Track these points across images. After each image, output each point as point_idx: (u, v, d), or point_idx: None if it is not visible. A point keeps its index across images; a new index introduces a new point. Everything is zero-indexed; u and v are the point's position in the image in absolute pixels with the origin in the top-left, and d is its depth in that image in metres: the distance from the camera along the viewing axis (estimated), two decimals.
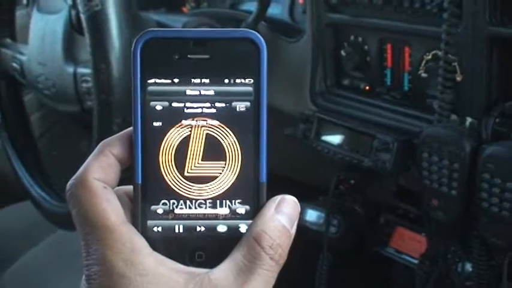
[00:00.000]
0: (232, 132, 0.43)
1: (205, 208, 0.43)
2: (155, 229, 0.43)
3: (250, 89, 0.43)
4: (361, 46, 1.01)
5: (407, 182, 1.02)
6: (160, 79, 0.43)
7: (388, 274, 1.16)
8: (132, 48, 0.42)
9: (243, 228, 0.43)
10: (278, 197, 0.43)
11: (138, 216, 0.43)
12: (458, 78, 0.85)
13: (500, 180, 0.77)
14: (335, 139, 1.02)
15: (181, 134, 0.43)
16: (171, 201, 0.43)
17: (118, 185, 0.44)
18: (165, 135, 0.43)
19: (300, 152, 1.12)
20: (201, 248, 0.42)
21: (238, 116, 0.43)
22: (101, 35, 0.97)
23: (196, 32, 0.44)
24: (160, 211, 0.43)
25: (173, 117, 0.43)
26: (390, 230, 1.10)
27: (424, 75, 0.93)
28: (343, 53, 1.04)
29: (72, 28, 1.13)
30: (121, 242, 0.40)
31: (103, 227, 0.40)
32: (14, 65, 1.28)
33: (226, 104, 0.43)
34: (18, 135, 1.35)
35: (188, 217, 0.43)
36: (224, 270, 0.41)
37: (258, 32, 0.43)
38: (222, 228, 0.43)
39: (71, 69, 1.11)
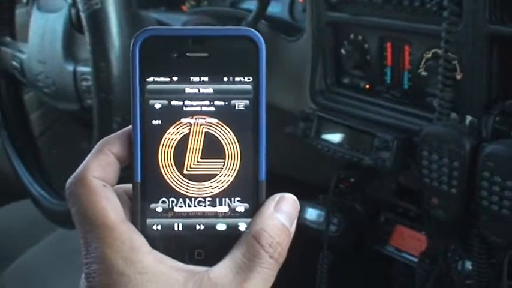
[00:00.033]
0: (231, 131, 0.43)
1: (205, 206, 0.43)
2: (154, 227, 0.43)
3: (249, 87, 0.43)
4: (361, 44, 1.01)
5: (407, 180, 1.02)
6: (159, 77, 0.42)
7: (388, 272, 1.17)
8: (131, 47, 0.42)
9: (242, 226, 0.43)
10: (277, 195, 0.43)
11: (138, 215, 0.43)
12: (458, 77, 0.85)
13: (500, 179, 0.77)
14: (335, 137, 1.02)
15: (180, 132, 0.43)
16: (171, 199, 0.43)
17: (117, 184, 0.44)
18: (164, 133, 0.43)
19: (300, 150, 1.12)
20: (201, 246, 0.42)
21: (238, 114, 0.43)
22: (100, 33, 0.96)
23: (195, 30, 0.44)
24: (159, 209, 0.43)
25: (172, 116, 0.43)
26: (390, 228, 1.10)
27: (424, 73, 0.93)
28: (343, 51, 1.04)
29: (72, 26, 1.13)
30: (120, 240, 0.40)
31: (102, 225, 0.40)
32: (14, 63, 1.28)
33: (225, 102, 0.43)
34: (18, 133, 1.35)
35: (187, 215, 0.43)
36: (223, 269, 0.41)
37: (258, 30, 0.43)
38: (221, 226, 0.43)
39: (70, 68, 1.11)
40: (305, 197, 1.10)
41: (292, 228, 0.43)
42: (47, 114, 1.64)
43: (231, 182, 0.43)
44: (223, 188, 0.43)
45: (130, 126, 0.43)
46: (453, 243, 0.92)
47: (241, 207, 0.43)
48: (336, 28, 1.04)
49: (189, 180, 0.43)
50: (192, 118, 0.43)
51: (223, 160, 0.43)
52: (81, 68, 1.09)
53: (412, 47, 0.94)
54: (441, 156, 0.83)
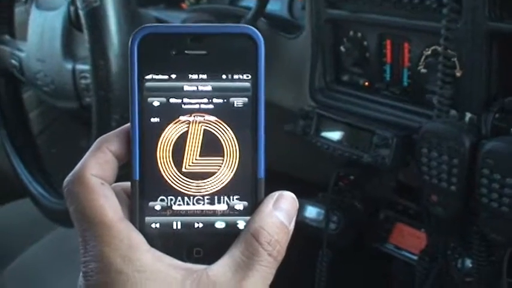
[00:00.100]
0: (230, 128, 0.42)
1: (203, 204, 0.43)
2: (153, 225, 0.43)
3: (248, 84, 0.42)
4: (361, 42, 1.01)
5: (407, 177, 1.02)
6: (158, 75, 0.42)
7: (388, 270, 1.16)
8: (129, 44, 0.42)
9: (241, 224, 0.43)
10: (276, 193, 0.43)
11: (136, 213, 0.42)
12: (458, 74, 0.84)
13: (500, 176, 0.77)
14: (334, 135, 1.02)
15: (179, 130, 0.43)
16: (169, 197, 0.43)
17: (116, 182, 0.44)
18: (163, 131, 0.43)
19: (299, 148, 1.12)
20: (199, 245, 0.42)
21: (236, 111, 0.42)
22: (99, 31, 0.96)
23: (193, 28, 0.44)
24: (158, 207, 0.43)
25: (171, 113, 0.42)
26: (390, 226, 1.10)
27: (423, 70, 0.93)
28: (342, 48, 1.04)
29: (71, 24, 1.13)
30: (118, 238, 0.40)
31: (100, 224, 0.40)
32: (13, 61, 1.27)
33: (224, 99, 0.42)
34: (17, 132, 1.35)
35: (186, 213, 0.43)
36: (222, 267, 0.41)
37: (257, 28, 0.43)
38: (220, 224, 0.43)
39: (69, 66, 1.11)
40: (304, 195, 1.10)
41: (291, 226, 0.43)
42: (46, 113, 1.64)
43: (230, 180, 0.43)
44: (221, 186, 0.43)
45: (128, 124, 0.43)
46: (453, 240, 0.92)
47: (240, 205, 0.43)
48: (335, 25, 1.04)
49: (188, 178, 0.43)
50: (191, 116, 0.43)
51: (222, 158, 0.43)
52: (80, 66, 1.09)
53: (412, 44, 0.94)
54: (441, 154, 0.83)
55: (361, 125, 0.98)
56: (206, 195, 0.43)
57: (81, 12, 0.97)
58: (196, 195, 0.43)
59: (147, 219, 0.43)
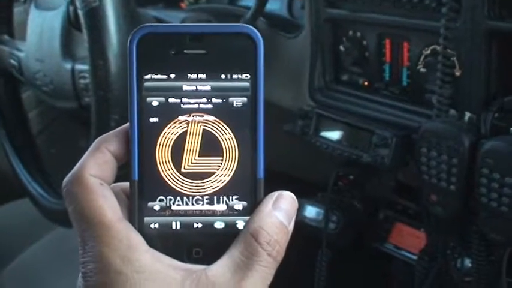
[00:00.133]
0: (229, 128, 0.42)
1: (203, 204, 0.43)
2: (152, 226, 0.42)
3: (247, 84, 0.42)
4: (360, 41, 1.01)
5: (406, 177, 1.02)
6: (157, 75, 0.42)
7: (387, 270, 1.16)
8: (128, 44, 0.42)
9: (240, 224, 0.42)
10: (275, 193, 0.43)
11: (135, 213, 0.42)
12: (457, 73, 0.84)
13: (499, 175, 0.77)
14: (334, 135, 1.01)
15: (178, 130, 0.42)
16: (168, 197, 0.43)
17: (114, 182, 0.43)
18: (162, 131, 0.42)
19: (299, 148, 1.12)
20: (198, 245, 0.42)
21: (235, 111, 0.42)
22: (98, 31, 0.96)
23: (192, 27, 0.43)
24: (157, 208, 0.43)
25: (170, 113, 0.42)
26: (389, 225, 1.10)
27: (422, 70, 0.93)
28: (341, 48, 1.04)
29: (70, 24, 1.13)
30: (117, 238, 0.40)
31: (99, 224, 0.40)
32: (12, 61, 1.27)
33: (223, 99, 0.42)
34: (16, 132, 1.35)
35: (185, 213, 0.43)
36: (221, 267, 0.40)
37: (257, 27, 0.43)
38: (219, 224, 0.43)
39: (68, 66, 1.11)
40: (304, 195, 1.10)
41: (291, 226, 0.43)
42: (45, 113, 1.64)
43: (229, 180, 0.43)
44: (221, 186, 0.43)
45: (127, 124, 0.43)
46: (452, 240, 0.92)
47: (239, 205, 0.43)
48: (335, 25, 1.03)
49: (187, 178, 0.43)
50: (190, 116, 0.42)
51: (221, 158, 0.42)
52: (79, 66, 1.09)
53: (411, 44, 0.94)
54: (440, 153, 0.83)
55: (361, 125, 0.97)
56: (205, 195, 0.43)
57: (80, 12, 0.97)
58: (196, 196, 0.43)
59: (146, 219, 0.42)
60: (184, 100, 0.42)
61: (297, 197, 0.44)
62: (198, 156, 0.43)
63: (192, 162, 0.43)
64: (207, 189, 0.43)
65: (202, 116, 0.42)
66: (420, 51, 0.92)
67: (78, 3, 0.97)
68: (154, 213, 0.42)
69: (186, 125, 0.42)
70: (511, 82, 0.82)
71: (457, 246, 0.92)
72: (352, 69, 1.04)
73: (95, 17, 0.96)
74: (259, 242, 0.41)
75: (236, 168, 0.42)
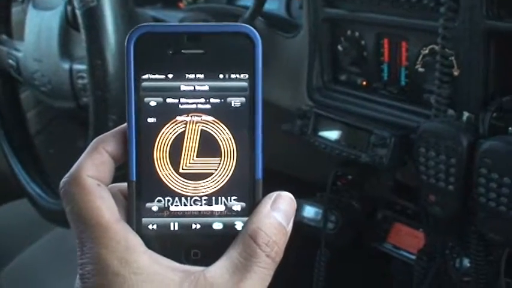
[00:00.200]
0: (228, 128, 0.42)
1: (201, 205, 0.42)
2: (150, 227, 0.42)
3: (245, 84, 0.42)
4: (358, 41, 1.00)
5: (405, 177, 1.02)
6: (154, 74, 0.42)
7: (386, 270, 1.16)
8: (126, 43, 0.42)
9: (238, 225, 0.42)
10: (274, 194, 0.43)
11: (133, 214, 0.42)
12: (456, 73, 0.84)
13: (498, 175, 0.77)
14: (332, 135, 1.01)
15: (175, 130, 0.42)
16: (166, 198, 0.42)
17: (112, 183, 0.43)
18: (160, 131, 0.42)
19: (297, 148, 1.12)
20: (197, 246, 0.42)
21: (234, 111, 0.42)
22: (96, 31, 0.96)
23: (190, 27, 0.43)
24: (155, 208, 0.42)
25: (167, 113, 0.42)
26: (388, 225, 1.10)
27: (421, 69, 0.93)
28: (340, 48, 1.03)
29: (68, 24, 1.12)
30: (115, 240, 0.40)
31: (97, 225, 0.40)
32: (10, 61, 1.27)
33: (221, 99, 0.42)
34: (14, 132, 1.35)
35: (183, 214, 0.42)
36: (220, 268, 0.40)
37: (255, 27, 0.43)
38: (217, 225, 0.43)
39: (66, 66, 1.10)
40: (302, 195, 1.10)
41: (289, 227, 0.42)
42: (44, 113, 1.64)
43: (227, 180, 0.42)
44: (219, 186, 0.42)
45: (125, 124, 0.43)
46: (451, 240, 0.92)
47: (237, 206, 0.43)
48: (333, 24, 1.03)
49: (185, 178, 0.42)
50: (188, 116, 0.42)
51: (219, 158, 0.42)
52: (77, 66, 1.09)
53: (409, 43, 0.94)
54: (438, 153, 0.82)
55: (359, 125, 0.97)
56: (203, 196, 0.42)
57: (78, 12, 0.97)
58: (194, 196, 0.42)
59: (144, 220, 0.42)
60: (182, 100, 0.42)
61: (295, 197, 0.43)
62: (196, 156, 0.42)
63: (190, 163, 0.42)
64: (205, 189, 0.42)
65: (201, 116, 0.42)
66: (418, 51, 0.92)
67: (76, 3, 0.97)
68: (152, 214, 0.42)
69: (184, 125, 0.42)
70: (509, 82, 0.82)
71: (456, 246, 0.92)
72: (350, 69, 1.04)
73: (93, 16, 0.96)
74: (257, 243, 0.40)
75: (234, 169, 0.42)
